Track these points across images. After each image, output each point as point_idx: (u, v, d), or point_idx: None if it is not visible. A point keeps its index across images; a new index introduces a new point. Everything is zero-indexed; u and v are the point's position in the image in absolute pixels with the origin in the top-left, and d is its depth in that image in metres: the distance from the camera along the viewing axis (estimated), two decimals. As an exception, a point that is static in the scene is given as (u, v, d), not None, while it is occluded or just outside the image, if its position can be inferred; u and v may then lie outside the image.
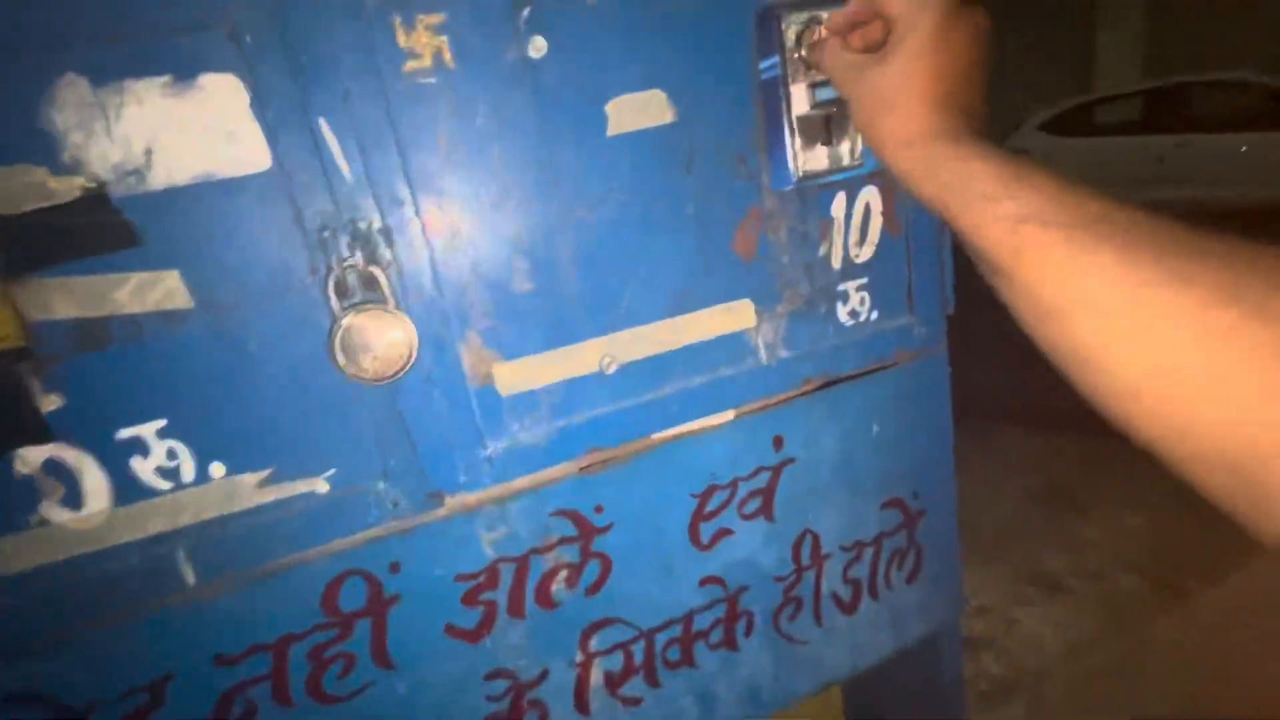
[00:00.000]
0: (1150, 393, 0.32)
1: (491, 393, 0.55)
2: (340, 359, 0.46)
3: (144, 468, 0.47)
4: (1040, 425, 2.38)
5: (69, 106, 0.42)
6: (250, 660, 0.53)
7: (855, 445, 0.69)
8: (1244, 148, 5.53)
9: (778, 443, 0.66)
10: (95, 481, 0.47)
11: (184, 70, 0.44)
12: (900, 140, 0.43)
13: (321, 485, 0.52)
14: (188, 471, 0.48)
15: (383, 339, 0.47)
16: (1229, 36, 6.79)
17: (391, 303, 0.48)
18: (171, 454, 0.48)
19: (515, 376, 0.55)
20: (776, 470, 0.67)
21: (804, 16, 0.54)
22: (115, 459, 0.47)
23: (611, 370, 0.58)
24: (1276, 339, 0.28)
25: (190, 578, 0.50)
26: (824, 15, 0.54)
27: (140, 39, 0.42)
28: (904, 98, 0.43)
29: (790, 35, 0.55)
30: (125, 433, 0.46)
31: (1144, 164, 5.95)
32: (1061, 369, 0.36)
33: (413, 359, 0.48)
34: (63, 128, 0.42)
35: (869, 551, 0.73)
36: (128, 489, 0.47)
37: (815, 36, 0.53)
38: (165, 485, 0.48)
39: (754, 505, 0.67)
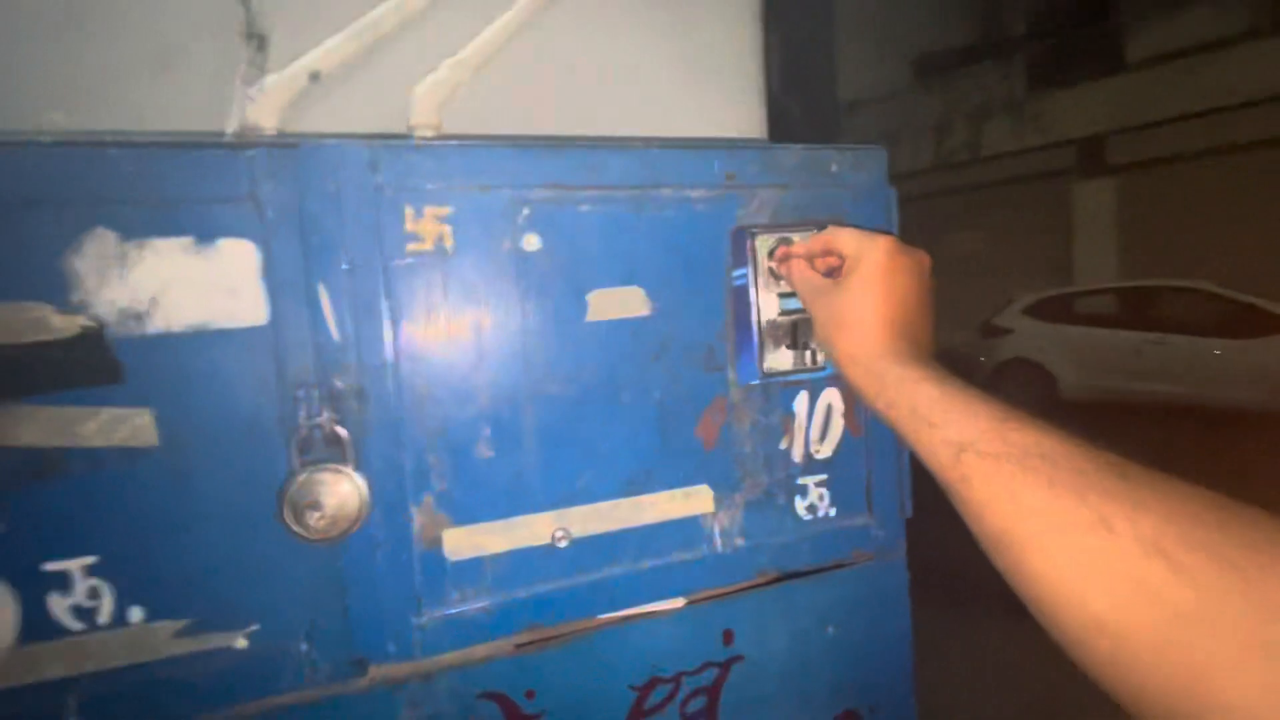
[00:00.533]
0: (1096, 643, 0.31)
1: (437, 557, 0.54)
2: (288, 515, 0.47)
3: (61, 605, 0.46)
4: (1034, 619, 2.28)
5: (92, 256, 0.46)
6: (115, 840, 0.47)
7: (808, 647, 0.67)
8: (1217, 350, 5.82)
9: (727, 637, 0.64)
10: (4, 615, 0.45)
11: (206, 233, 0.48)
12: (852, 356, 0.49)
13: (240, 640, 0.49)
14: (105, 613, 0.47)
15: (333, 499, 0.47)
16: (1193, 248, 7.42)
17: (351, 464, 0.49)
18: (93, 593, 0.46)
19: (464, 543, 0.55)
20: (724, 667, 0.64)
21: (774, 236, 0.61)
22: (34, 592, 0.45)
23: (563, 544, 0.57)
24: (1208, 603, 0.27)
25: (75, 734, 0.46)
26: (793, 237, 0.61)
27: (173, 205, 0.47)
28: (855, 319, 0.49)
29: (762, 250, 0.61)
30: (52, 566, 0.45)
31: (1122, 355, 6.23)
32: (1018, 595, 0.36)
33: (360, 521, 0.48)
34: (81, 273, 0.46)
35: (820, 770, 0.68)
36: (37, 626, 0.45)
37: (782, 253, 0.59)
38: (78, 626, 0.46)
39: (697, 705, 0.63)
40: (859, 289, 0.49)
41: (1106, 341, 6.39)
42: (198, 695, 0.48)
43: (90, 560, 0.46)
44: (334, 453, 0.49)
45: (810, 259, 0.56)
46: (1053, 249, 8.29)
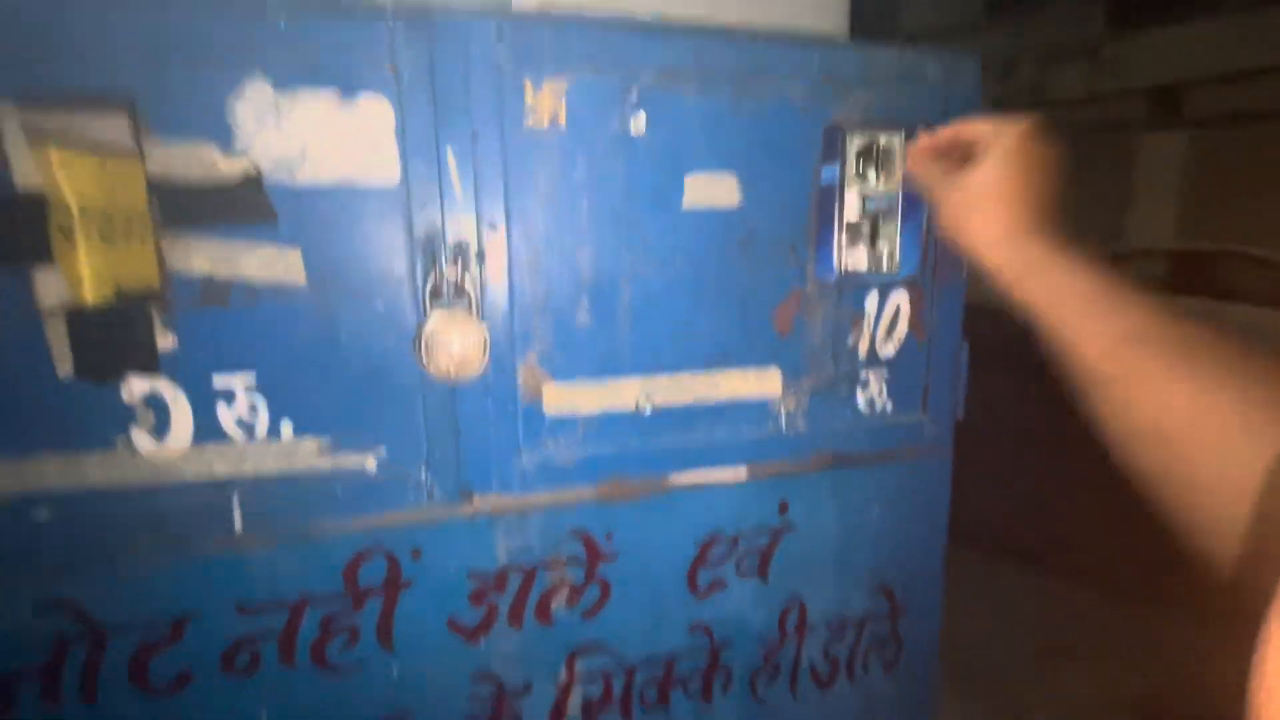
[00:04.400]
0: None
1: (536, 409, 0.60)
2: (422, 353, 0.53)
3: (227, 415, 0.53)
4: (1052, 572, 2.36)
5: (251, 101, 0.50)
6: (268, 614, 0.57)
7: (853, 526, 0.73)
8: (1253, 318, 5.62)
9: (783, 507, 0.70)
10: (183, 419, 0.52)
11: (349, 88, 0.52)
12: (990, 238, 0.46)
13: (370, 462, 0.57)
14: (262, 425, 0.54)
15: (464, 340, 0.53)
16: (1259, 213, 7.04)
17: (476, 313, 0.55)
18: (253, 408, 0.54)
19: (560, 399, 0.61)
20: (777, 533, 0.71)
21: (865, 136, 0.63)
22: (205, 402, 0.52)
23: (647, 410, 0.63)
24: None
25: (238, 524, 0.54)
26: (883, 136, 0.63)
27: (321, 63, 0.51)
28: (990, 200, 0.47)
29: (852, 148, 0.64)
30: (220, 381, 0.52)
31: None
32: (1149, 490, 0.36)
33: (482, 366, 0.55)
34: (241, 119, 0.50)
35: (851, 632, 0.76)
36: (207, 431, 0.53)
37: (913, 148, 0.58)
38: (240, 434, 0.54)
39: (751, 563, 0.70)
40: (998, 168, 0.47)
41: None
42: (336, 504, 0.56)
43: (250, 377, 0.53)
44: (460, 303, 0.55)
45: (935, 148, 0.54)
46: (1112, 206, 7.92)
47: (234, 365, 0.53)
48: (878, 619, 0.76)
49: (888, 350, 0.70)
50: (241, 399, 0.53)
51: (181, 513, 0.53)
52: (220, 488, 0.54)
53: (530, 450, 0.61)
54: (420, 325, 0.53)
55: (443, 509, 0.59)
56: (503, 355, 0.58)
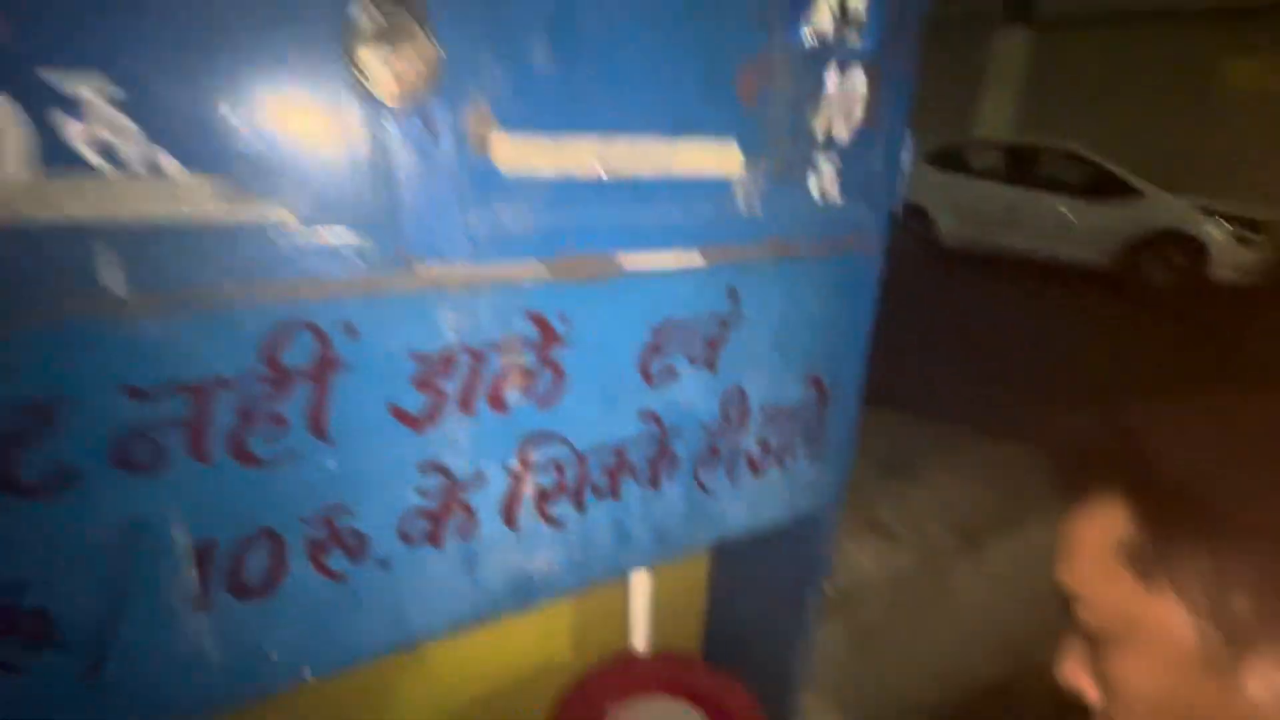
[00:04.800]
0: None
1: (487, 164, 0.52)
2: (359, 65, 0.42)
3: (78, 134, 0.40)
4: (893, 406, 2.69)
5: None
6: (168, 399, 0.47)
7: (793, 317, 0.75)
8: (1064, 209, 6.50)
9: (733, 295, 0.70)
10: (16, 139, 0.39)
11: None
12: None
13: (287, 215, 0.47)
14: (134, 155, 0.42)
15: (410, 57, 0.43)
16: (1088, 113, 7.92)
17: (424, 27, 0.44)
18: (116, 128, 0.41)
19: (513, 154, 0.53)
20: (726, 322, 0.70)
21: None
22: (42, 114, 0.39)
23: (603, 175, 0.57)
24: None
25: (115, 286, 0.43)
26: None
27: None
28: None
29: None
30: (62, 84, 0.39)
31: (998, 210, 6.79)
32: None
33: (429, 85, 0.45)
34: None
35: (785, 420, 0.80)
36: (56, 155, 0.40)
37: None
38: (101, 163, 0.41)
39: (700, 351, 0.70)
40: None
41: (987, 195, 6.89)
42: (242, 266, 0.47)
43: (104, 84, 0.40)
44: (403, 12, 0.44)
45: None
46: (964, 97, 8.47)
47: (79, 61, 0.39)
48: (808, 408, 0.81)
49: (842, 135, 0.69)
50: (97, 111, 0.40)
51: (39, 269, 0.41)
52: (88, 236, 0.42)
53: (479, 212, 0.53)
54: (355, 26, 0.42)
55: (380, 278, 0.51)
56: (451, 92, 0.49)
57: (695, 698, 1.01)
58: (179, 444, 0.48)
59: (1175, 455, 0.42)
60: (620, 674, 1.03)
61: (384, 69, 0.43)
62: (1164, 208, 6.04)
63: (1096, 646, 0.44)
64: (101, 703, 0.51)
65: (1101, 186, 6.36)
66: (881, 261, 0.78)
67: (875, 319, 0.81)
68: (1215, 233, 5.78)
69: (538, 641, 1.10)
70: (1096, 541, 0.43)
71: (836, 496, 0.91)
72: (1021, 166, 6.93)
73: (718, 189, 0.64)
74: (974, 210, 6.88)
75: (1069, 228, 6.44)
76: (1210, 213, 5.87)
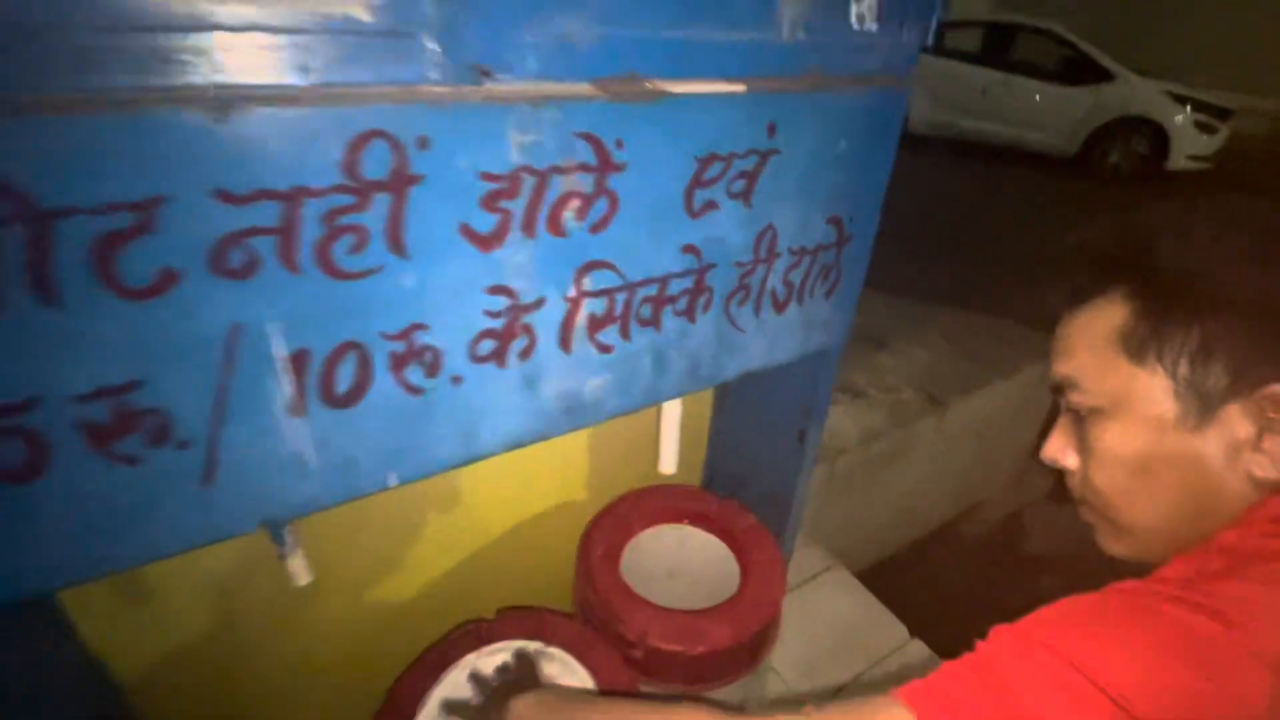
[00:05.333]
0: None
1: (553, -33, 0.52)
2: None
3: (157, -95, 0.38)
4: (869, 286, 2.80)
5: None
6: (258, 206, 0.48)
7: (824, 154, 0.77)
8: (1038, 96, 6.43)
9: (771, 129, 0.71)
10: (90, -101, 0.37)
11: None
12: None
13: (363, 12, 0.46)
14: (211, -67, 0.40)
15: None
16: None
17: None
18: (193, -100, 0.39)
19: (577, -41, 0.52)
20: (764, 156, 0.73)
21: None
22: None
23: (662, -10, 0.57)
24: None
25: (214, 74, 0.43)
26: None
27: None
28: None
29: None
30: None
31: (971, 94, 6.67)
32: None
33: None
34: None
35: (807, 259, 0.85)
36: (132, -72, 0.38)
37: None
38: (180, -58, 0.40)
39: (739, 186, 0.73)
40: None
41: (963, 77, 6.72)
42: (324, 65, 0.46)
43: None
44: None
45: None
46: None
47: None
48: (827, 248, 0.86)
49: (883, -42, 0.69)
50: (175, -119, 0.38)
51: (154, 55, 0.41)
52: (195, 19, 0.41)
53: (542, 28, 0.53)
54: None
55: (452, 89, 0.52)
56: (515, -121, 0.47)
57: (710, 524, 1.13)
58: (270, 252, 0.50)
59: (1177, 247, 0.49)
60: (642, 503, 1.13)
61: None
62: (1133, 93, 6.02)
63: (1083, 424, 0.53)
64: (214, 502, 0.56)
65: (1076, 69, 6.27)
66: (905, 101, 0.80)
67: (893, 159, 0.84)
68: (1179, 120, 5.84)
69: (562, 474, 1.19)
70: (1097, 332, 0.51)
71: (845, 335, 0.98)
72: (998, 47, 6.73)
73: (765, 13, 0.64)
74: (949, 94, 6.74)
75: (1040, 113, 6.40)
76: (1181, 99, 5.88)
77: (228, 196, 0.47)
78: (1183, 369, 0.47)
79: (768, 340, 0.88)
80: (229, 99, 0.44)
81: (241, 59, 0.44)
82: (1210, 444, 0.47)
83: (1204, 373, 0.46)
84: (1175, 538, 0.49)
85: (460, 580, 1.14)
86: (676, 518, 1.14)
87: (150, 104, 0.42)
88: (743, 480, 1.28)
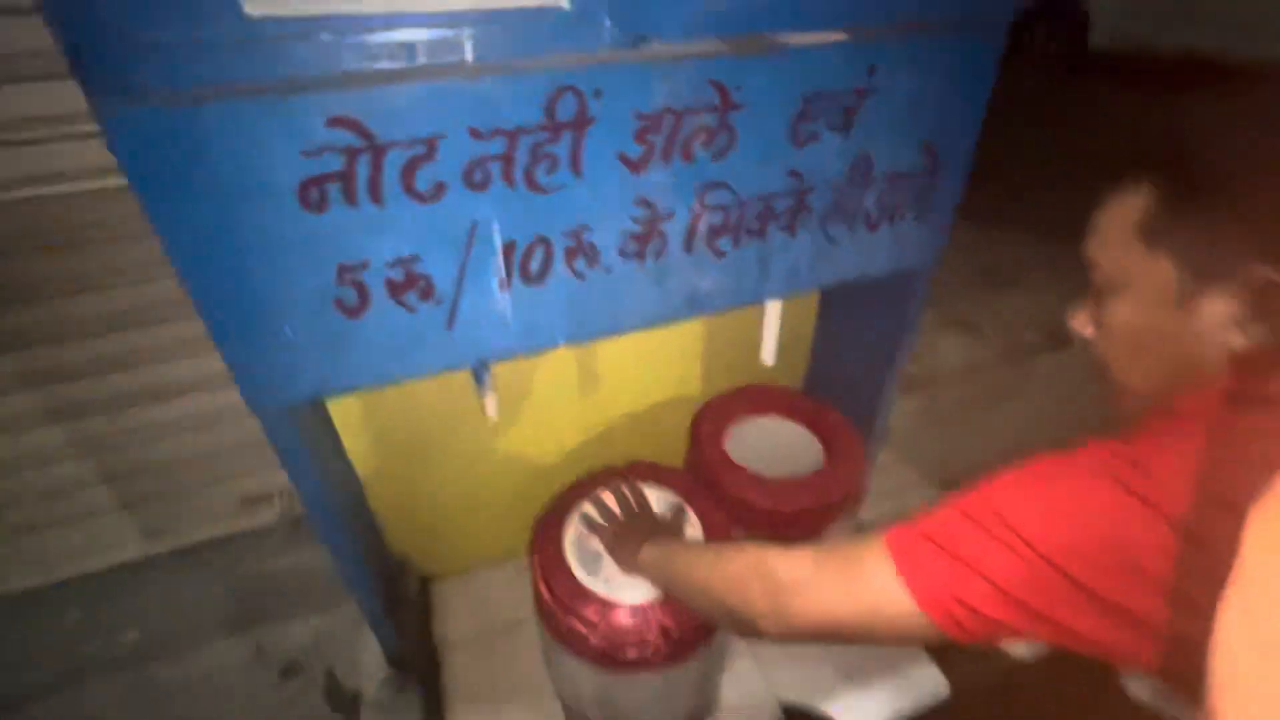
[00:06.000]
0: None
1: (694, -43, 0.70)
2: None
3: (452, -53, 0.62)
4: (991, 223, 2.70)
5: None
6: (493, 139, 0.73)
7: (920, 90, 0.90)
8: None
9: (870, 70, 0.85)
10: (418, -52, 0.61)
11: None
12: None
13: (564, 2, 0.68)
14: (479, -40, 0.63)
15: None
16: None
17: None
18: (470, -59, 0.62)
19: (713, -53, 0.70)
20: (862, 94, 0.87)
21: None
22: (433, -67, 0.61)
23: (780, -37, 0.73)
24: None
25: (469, 55, 0.67)
26: None
27: None
28: None
29: None
30: (444, -91, 0.60)
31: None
32: None
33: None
34: None
35: (901, 184, 0.98)
36: (437, -37, 0.62)
37: None
38: (462, -32, 0.63)
39: (839, 120, 0.88)
40: None
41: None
42: (536, 41, 0.69)
43: (468, -92, 0.60)
44: None
45: None
46: None
47: (455, -108, 0.59)
48: (921, 174, 0.98)
49: (982, -87, 0.78)
50: (462, -70, 0.61)
51: (429, 43, 0.66)
52: (455, 21, 0.65)
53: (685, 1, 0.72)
54: None
55: (620, 52, 0.73)
56: (671, -104, 0.65)
57: (801, 417, 1.33)
58: (498, 171, 0.75)
59: (1204, 151, 0.55)
60: (745, 395, 1.35)
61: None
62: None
63: (1100, 299, 0.64)
64: (449, 341, 0.85)
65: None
66: (1002, 44, 0.89)
67: (989, 97, 0.94)
68: None
69: (681, 366, 1.44)
70: (1122, 218, 0.59)
71: (935, 255, 1.11)
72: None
73: (866, -29, 0.78)
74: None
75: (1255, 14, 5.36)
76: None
77: (476, 133, 0.72)
78: (1186, 257, 0.56)
79: (861, 255, 1.03)
80: (479, 67, 0.68)
81: (485, 40, 0.67)
82: (1197, 322, 0.56)
83: (1204, 262, 0.55)
84: (1161, 400, 0.62)
85: (599, 440, 1.44)
86: (773, 410, 1.34)
87: (434, 75, 0.67)
88: (837, 386, 1.44)
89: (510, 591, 1.50)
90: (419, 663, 1.33)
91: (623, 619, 0.94)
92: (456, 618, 1.47)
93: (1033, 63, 6.22)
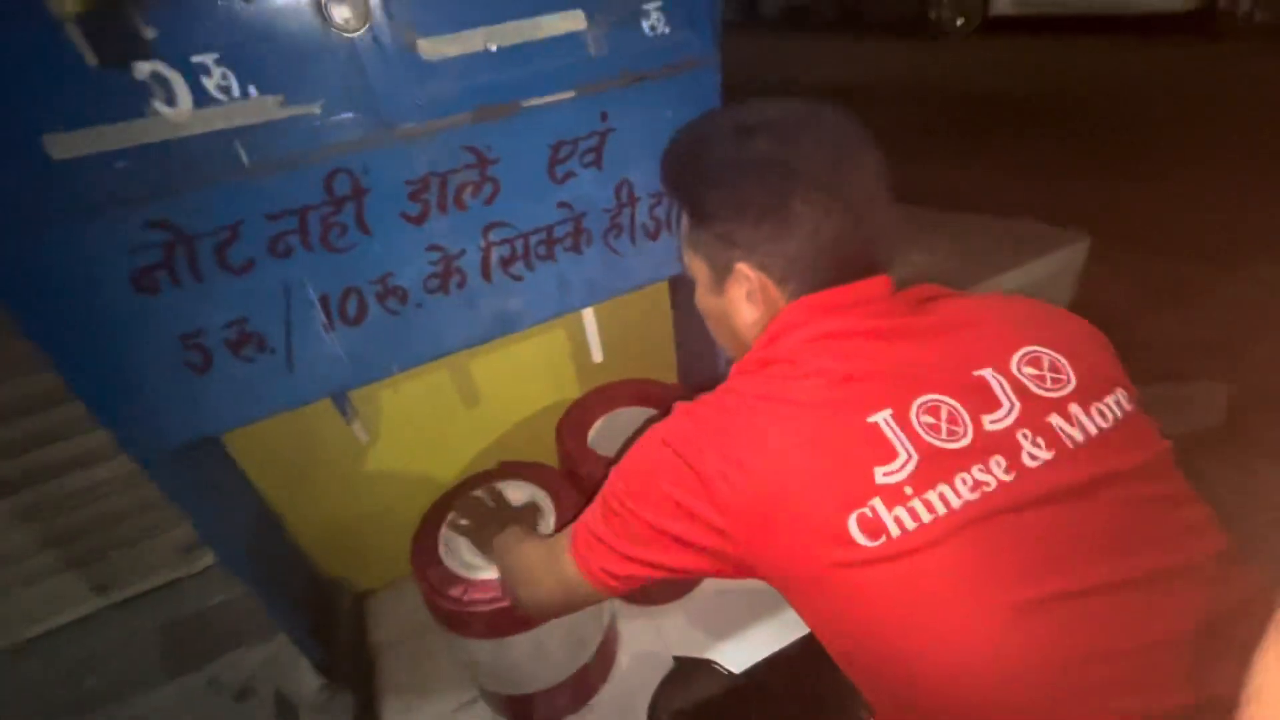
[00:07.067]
0: None
1: (416, 57, 0.89)
2: (327, 12, 0.79)
3: (209, 84, 0.81)
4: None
5: None
6: (285, 218, 0.92)
7: (656, 122, 1.09)
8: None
9: (603, 116, 1.05)
10: (182, 89, 0.80)
11: None
12: None
13: (316, 109, 0.87)
14: (235, 89, 0.82)
15: (353, 6, 0.79)
16: None
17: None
18: (224, 76, 0.81)
19: (429, 48, 0.89)
20: (603, 135, 1.06)
21: None
22: (192, 75, 0.79)
23: (493, 48, 0.92)
24: None
25: (245, 159, 0.86)
26: None
27: None
28: None
29: None
30: (196, 58, 0.79)
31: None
32: None
33: (369, 24, 0.82)
34: None
35: (665, 200, 1.17)
36: (202, 97, 0.81)
37: None
38: (223, 97, 0.82)
39: (590, 158, 1.07)
40: None
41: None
42: (302, 140, 0.88)
43: (215, 55, 0.79)
44: (340, -23, 0.79)
45: None
46: None
47: (203, 45, 0.78)
48: (682, 189, 1.18)
49: (652, -14, 0.98)
50: (215, 71, 0.80)
51: (205, 157, 0.84)
52: (224, 136, 0.84)
53: (421, 87, 0.91)
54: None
55: (375, 136, 0.91)
56: (382, 21, 0.85)
57: (654, 402, 1.51)
58: (297, 242, 0.94)
59: (676, 169, 0.86)
60: (600, 395, 1.54)
61: (339, 14, 0.79)
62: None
63: (692, 289, 0.87)
64: (293, 382, 1.03)
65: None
66: (717, 76, 1.09)
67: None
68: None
69: (552, 375, 1.62)
70: (683, 230, 0.84)
71: (724, 252, 1.30)
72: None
73: (575, 43, 0.97)
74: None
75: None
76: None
77: (270, 216, 0.91)
78: (705, 256, 0.80)
79: (650, 262, 1.22)
80: (256, 166, 0.87)
81: (257, 145, 0.86)
82: (729, 302, 0.80)
83: (715, 259, 0.79)
84: (740, 356, 0.81)
85: (494, 447, 1.62)
86: (629, 401, 1.53)
87: (222, 176, 0.86)
88: (702, 369, 1.64)
89: (433, 595, 1.68)
90: (352, 671, 1.50)
91: (481, 592, 1.12)
92: (387, 625, 1.64)
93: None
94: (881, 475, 0.60)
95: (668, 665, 1.47)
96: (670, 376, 1.80)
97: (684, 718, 1.37)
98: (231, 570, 1.17)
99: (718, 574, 0.70)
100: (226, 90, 0.82)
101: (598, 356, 1.34)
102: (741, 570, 0.69)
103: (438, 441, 1.57)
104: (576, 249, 1.15)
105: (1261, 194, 3.24)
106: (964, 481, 0.60)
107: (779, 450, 0.63)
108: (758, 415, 0.66)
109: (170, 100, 0.80)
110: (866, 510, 0.59)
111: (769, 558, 0.65)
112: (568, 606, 0.87)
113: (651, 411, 1.51)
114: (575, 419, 1.48)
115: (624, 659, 1.48)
